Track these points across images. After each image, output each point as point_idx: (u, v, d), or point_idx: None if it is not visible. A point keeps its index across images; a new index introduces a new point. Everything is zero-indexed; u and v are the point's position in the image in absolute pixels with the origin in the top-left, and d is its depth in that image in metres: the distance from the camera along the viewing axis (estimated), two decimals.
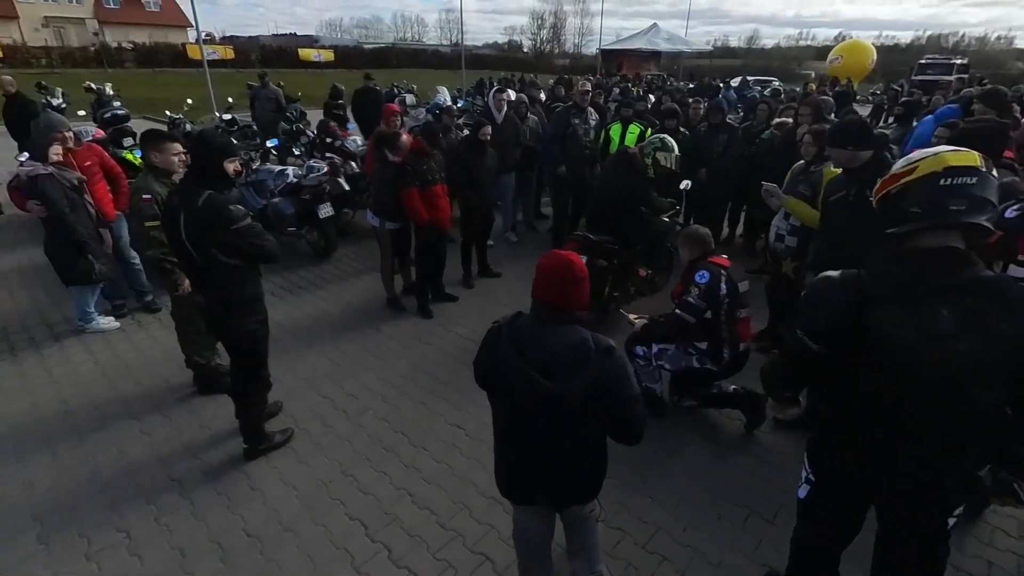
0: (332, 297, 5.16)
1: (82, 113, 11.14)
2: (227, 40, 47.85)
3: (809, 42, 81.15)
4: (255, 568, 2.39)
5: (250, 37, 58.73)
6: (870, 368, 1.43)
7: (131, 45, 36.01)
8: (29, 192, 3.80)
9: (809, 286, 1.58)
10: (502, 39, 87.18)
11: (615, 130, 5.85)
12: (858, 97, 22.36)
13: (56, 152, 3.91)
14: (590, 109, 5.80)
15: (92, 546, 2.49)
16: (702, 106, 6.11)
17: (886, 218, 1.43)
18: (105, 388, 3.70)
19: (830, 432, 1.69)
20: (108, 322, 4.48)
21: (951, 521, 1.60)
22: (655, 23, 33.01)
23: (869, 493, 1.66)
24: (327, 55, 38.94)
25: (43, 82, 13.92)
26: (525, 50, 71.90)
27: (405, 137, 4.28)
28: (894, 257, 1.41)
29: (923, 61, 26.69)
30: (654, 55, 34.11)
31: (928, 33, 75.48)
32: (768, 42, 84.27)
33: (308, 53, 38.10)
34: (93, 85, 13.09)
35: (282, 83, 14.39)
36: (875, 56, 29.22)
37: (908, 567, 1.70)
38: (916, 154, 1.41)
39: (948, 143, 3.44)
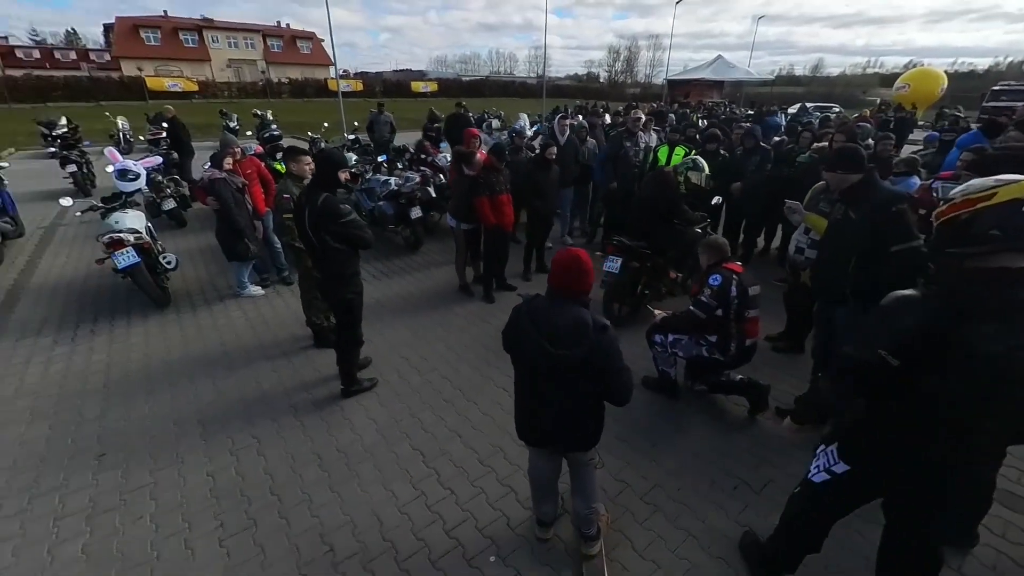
0: (417, 282, 5.51)
1: (249, 133, 12.55)
2: (358, 75, 50.91)
3: (877, 70, 72.65)
4: (341, 475, 2.73)
5: (375, 73, 62.01)
6: (954, 376, 1.33)
7: (287, 80, 39.37)
8: (208, 191, 4.45)
9: (883, 306, 1.45)
10: (582, 71, 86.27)
11: (663, 152, 5.76)
12: (920, 123, 19.90)
13: (228, 163, 4.55)
14: (641, 133, 5.77)
15: (234, 445, 2.95)
16: (742, 131, 5.86)
17: (947, 239, 1.35)
18: (251, 337, 4.25)
19: (885, 430, 1.55)
20: (256, 290, 5.08)
21: None
22: (720, 55, 31.22)
23: (893, 481, 1.58)
24: (432, 86, 40.64)
25: (224, 109, 15.81)
26: (601, 80, 70.71)
27: (479, 156, 4.52)
28: (982, 277, 1.29)
29: (996, 87, 23.05)
30: (717, 84, 32.34)
31: (1009, 59, 64.68)
32: (834, 70, 76.53)
33: (418, 85, 40.03)
34: (258, 112, 14.58)
35: (437, 110, 15.25)
36: (945, 84, 25.63)
37: (914, 559, 1.65)
38: (982, 182, 1.31)
39: (970, 168, 3.16)
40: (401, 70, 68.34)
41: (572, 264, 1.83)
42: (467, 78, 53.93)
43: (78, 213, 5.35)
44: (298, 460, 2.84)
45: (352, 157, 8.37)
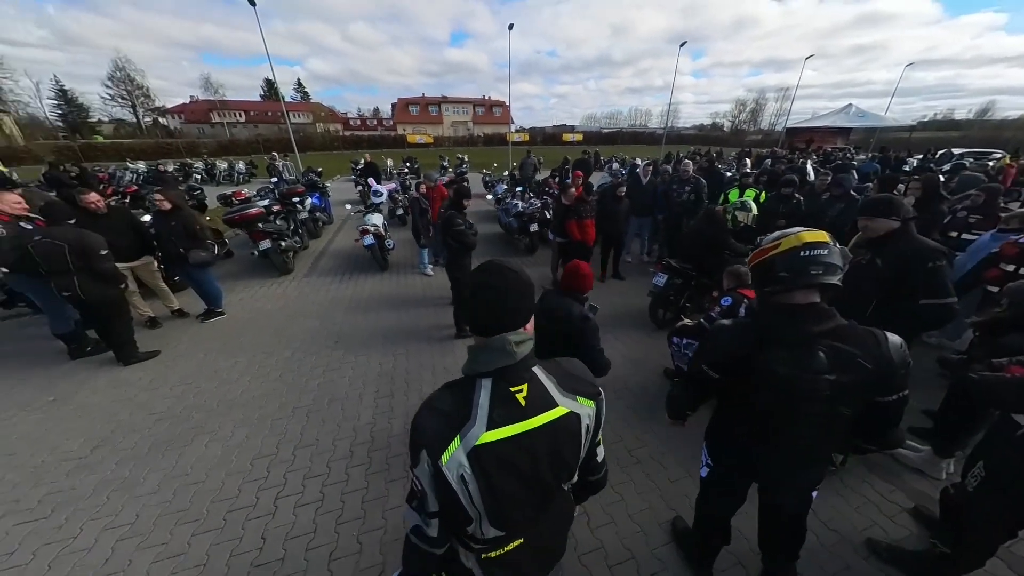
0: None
1: (451, 171, 14.39)
2: (527, 130, 52.55)
3: None
4: (442, 380, 3.24)
5: (539, 128, 62.86)
6: (760, 390, 1.24)
7: (483, 134, 43.12)
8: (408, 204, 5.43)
9: (709, 330, 1.36)
10: (707, 122, 75.51)
11: (733, 194, 4.98)
12: None
13: (422, 188, 5.50)
14: (694, 177, 5.24)
15: (396, 350, 3.67)
16: (829, 177, 4.69)
17: (758, 279, 1.22)
18: (421, 295, 5.05)
19: (724, 432, 1.46)
20: (430, 269, 5.89)
21: (814, 494, 1.39)
22: (850, 103, 23.96)
23: (750, 475, 1.45)
24: (578, 137, 40.02)
25: (441, 154, 18.32)
26: (725, 129, 60.92)
27: (572, 190, 4.61)
28: (776, 311, 1.19)
29: None
30: (844, 130, 25.13)
31: None
32: (1012, 113, 52.21)
33: (567, 136, 39.90)
34: (460, 156, 16.54)
35: (587, 152, 15.49)
36: None
37: (784, 536, 1.52)
38: (777, 234, 1.20)
39: None
40: (558, 125, 68.72)
41: (574, 272, 1.94)
42: (607, 130, 51.50)
43: (354, 213, 7.00)
44: (422, 367, 3.43)
45: (503, 187, 9.09)
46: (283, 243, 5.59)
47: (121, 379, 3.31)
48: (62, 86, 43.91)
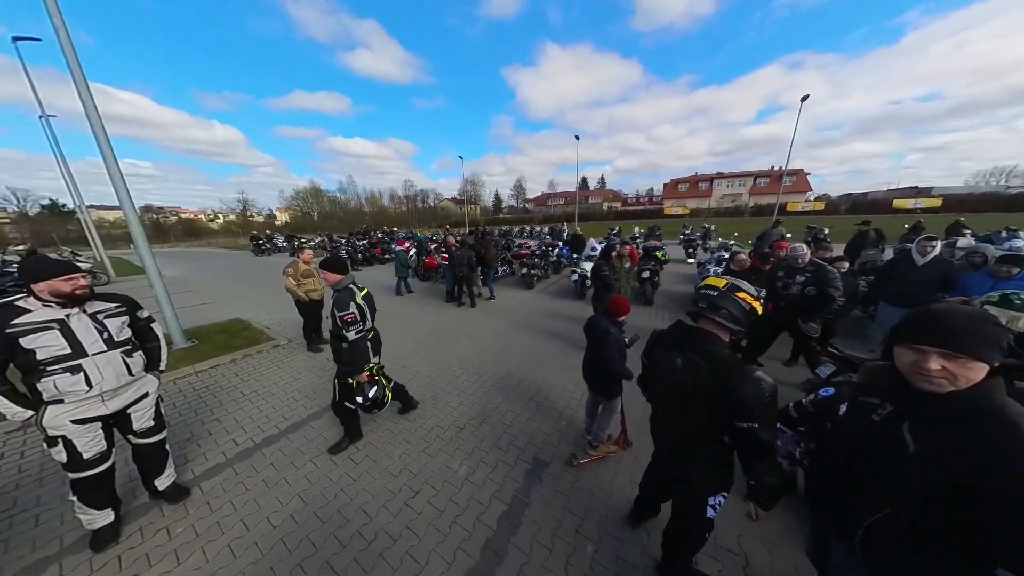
0: None
1: (683, 235, 13.15)
2: (820, 198, 35.86)
3: None
4: (547, 356, 3.94)
5: (844, 195, 40.33)
6: (650, 375, 1.47)
7: (754, 204, 34.36)
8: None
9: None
10: None
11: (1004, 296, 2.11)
12: None
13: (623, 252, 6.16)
14: (812, 264, 2.71)
15: (550, 342, 4.62)
16: None
17: None
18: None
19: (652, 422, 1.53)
20: None
21: (710, 511, 1.34)
22: None
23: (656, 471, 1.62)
24: (932, 203, 22.97)
25: (685, 224, 16.87)
26: None
27: (744, 258, 3.80)
28: (674, 324, 1.35)
29: None
30: None
31: None
32: None
33: (905, 202, 23.96)
34: (704, 224, 14.79)
35: (869, 222, 10.98)
36: None
37: (676, 532, 1.50)
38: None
39: None
40: (896, 188, 41.29)
41: (614, 304, 2.28)
42: (1016, 190, 25.22)
43: (577, 260, 8.62)
44: (557, 355, 4.14)
45: (723, 253, 7.74)
46: (532, 272, 8.05)
47: (458, 314, 6.43)
48: (496, 192, 77.88)
